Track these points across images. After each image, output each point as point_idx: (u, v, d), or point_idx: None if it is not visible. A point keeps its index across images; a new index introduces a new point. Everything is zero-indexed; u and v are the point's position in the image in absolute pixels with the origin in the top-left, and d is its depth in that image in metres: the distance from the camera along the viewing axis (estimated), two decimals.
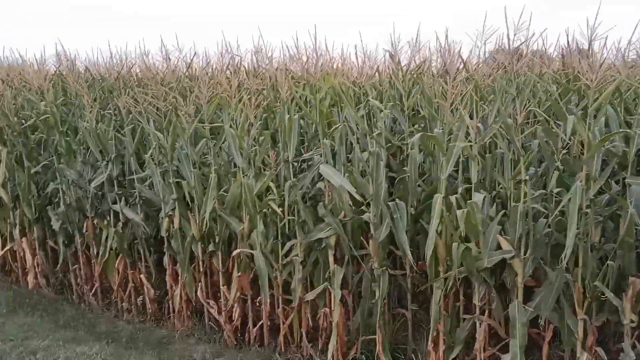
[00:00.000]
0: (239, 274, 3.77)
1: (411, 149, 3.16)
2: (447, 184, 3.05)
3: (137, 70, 4.73)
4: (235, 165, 3.87)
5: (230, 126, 3.69)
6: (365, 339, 3.48)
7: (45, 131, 4.49)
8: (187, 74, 4.62)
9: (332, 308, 3.46)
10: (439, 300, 3.15)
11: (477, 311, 3.12)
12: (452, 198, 3.07)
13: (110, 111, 4.29)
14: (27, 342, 3.47)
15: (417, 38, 3.78)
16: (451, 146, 3.02)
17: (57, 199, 4.71)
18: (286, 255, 3.65)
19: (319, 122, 3.44)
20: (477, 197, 2.97)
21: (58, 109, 4.30)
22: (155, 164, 4.02)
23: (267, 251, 3.62)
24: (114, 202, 4.31)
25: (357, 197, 3.22)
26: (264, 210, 3.62)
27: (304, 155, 3.78)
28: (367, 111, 3.69)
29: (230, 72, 4.22)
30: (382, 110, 3.43)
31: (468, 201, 2.93)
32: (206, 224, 3.80)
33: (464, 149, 3.01)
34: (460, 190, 3.09)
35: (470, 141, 3.04)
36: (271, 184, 3.51)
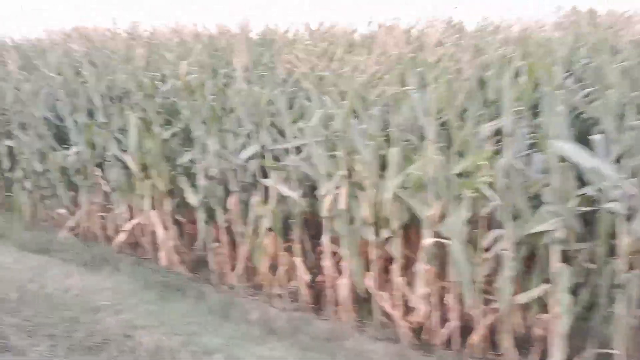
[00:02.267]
0: (427, 266, 3.21)
1: None
2: None
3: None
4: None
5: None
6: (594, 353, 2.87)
7: (184, 94, 3.98)
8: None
9: (555, 315, 2.85)
10: None
11: None
12: None
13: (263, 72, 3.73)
14: (196, 339, 3.08)
15: None
16: None
17: (192, 170, 4.27)
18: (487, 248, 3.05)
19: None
20: None
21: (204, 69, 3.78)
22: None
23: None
24: (264, 176, 3.81)
25: (614, 184, 2.54)
26: (463, 193, 3.01)
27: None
28: None
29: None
30: None
31: None
32: (384, 206, 3.24)
33: None
34: None
35: None
36: (484, 162, 2.87)
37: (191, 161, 4.29)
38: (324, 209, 3.58)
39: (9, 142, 5.82)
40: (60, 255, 4.75)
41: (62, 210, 5.37)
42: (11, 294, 3.74)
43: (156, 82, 4.15)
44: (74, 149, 4.99)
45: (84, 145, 4.90)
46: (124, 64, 4.25)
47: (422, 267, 3.23)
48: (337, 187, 3.50)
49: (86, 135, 4.84)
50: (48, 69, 5.01)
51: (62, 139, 5.32)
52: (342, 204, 3.48)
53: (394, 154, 3.18)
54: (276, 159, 3.80)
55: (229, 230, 4.18)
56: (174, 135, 4.43)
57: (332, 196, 3.53)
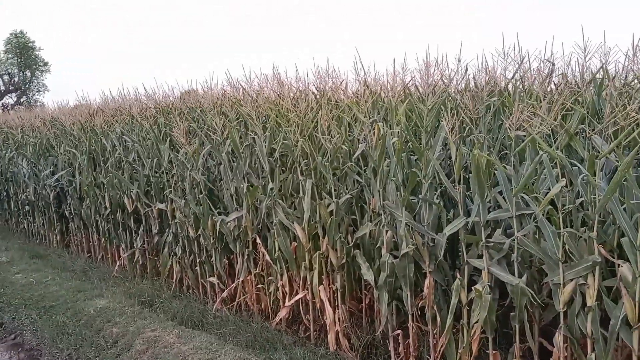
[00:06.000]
0: None
1: None
2: None
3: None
4: None
5: None
6: None
7: (375, 157, 3.52)
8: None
9: None
10: None
11: None
12: None
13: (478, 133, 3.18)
14: None
15: None
16: None
17: (372, 243, 3.75)
18: None
19: None
20: None
21: (409, 130, 3.31)
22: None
23: None
24: (476, 255, 3.18)
25: None
26: None
27: None
28: None
29: None
30: None
31: None
32: None
33: None
34: None
35: None
36: None
37: (370, 233, 3.80)
38: (560, 302, 2.85)
39: (160, 206, 5.74)
40: (217, 330, 4.36)
41: (214, 279, 5.07)
42: None
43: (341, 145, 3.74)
44: (233, 215, 4.71)
45: (245, 211, 4.60)
46: (300, 126, 3.91)
47: None
48: (582, 276, 2.77)
49: (249, 201, 4.54)
50: (211, 131, 4.86)
51: (214, 204, 5.11)
52: (590, 300, 2.73)
53: None
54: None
55: (415, 317, 3.55)
56: (348, 202, 3.98)
57: (572, 286, 2.81)
